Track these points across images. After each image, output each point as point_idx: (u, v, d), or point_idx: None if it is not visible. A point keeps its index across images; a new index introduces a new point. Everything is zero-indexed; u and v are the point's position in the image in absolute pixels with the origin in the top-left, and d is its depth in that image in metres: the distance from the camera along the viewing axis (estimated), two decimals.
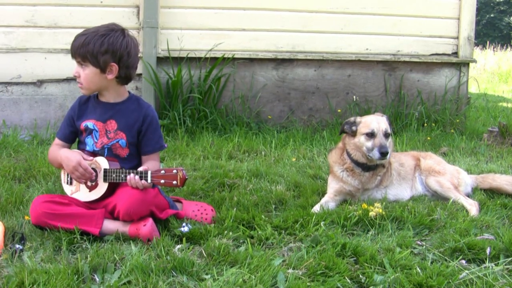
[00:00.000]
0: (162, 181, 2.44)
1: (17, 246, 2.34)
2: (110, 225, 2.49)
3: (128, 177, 2.47)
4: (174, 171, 2.42)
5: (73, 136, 2.76)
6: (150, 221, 2.46)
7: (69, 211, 2.48)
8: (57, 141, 2.76)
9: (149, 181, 2.45)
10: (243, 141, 4.72)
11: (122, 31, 2.63)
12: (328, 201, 3.09)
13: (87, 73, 2.58)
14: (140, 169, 2.49)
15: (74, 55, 2.61)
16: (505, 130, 5.04)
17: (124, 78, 2.66)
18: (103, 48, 2.54)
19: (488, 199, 3.23)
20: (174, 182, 2.42)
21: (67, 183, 2.67)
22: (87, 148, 2.67)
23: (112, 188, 2.58)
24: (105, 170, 2.55)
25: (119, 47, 2.57)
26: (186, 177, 2.44)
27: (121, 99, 2.71)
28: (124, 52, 2.60)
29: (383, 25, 5.68)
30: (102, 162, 2.56)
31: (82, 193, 2.61)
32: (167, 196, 2.81)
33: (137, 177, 2.45)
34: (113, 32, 2.58)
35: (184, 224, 2.57)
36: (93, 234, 2.45)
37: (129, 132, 2.67)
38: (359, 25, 5.62)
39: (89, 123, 2.66)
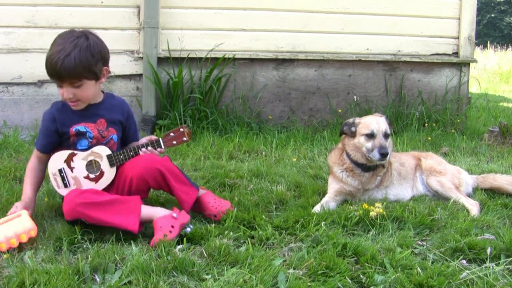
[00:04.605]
0: (174, 142, 2.61)
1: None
2: (143, 214, 2.48)
3: (140, 152, 2.58)
4: (181, 129, 2.62)
5: (51, 146, 2.71)
6: (173, 236, 2.39)
7: (105, 199, 2.45)
8: (36, 153, 2.73)
9: (163, 147, 2.61)
10: (244, 141, 4.72)
11: (91, 33, 2.58)
12: (329, 201, 3.09)
13: (85, 89, 2.54)
14: (143, 140, 2.64)
15: (66, 78, 2.47)
16: (505, 130, 5.04)
17: (109, 73, 2.72)
18: (94, 59, 2.50)
19: (489, 199, 3.23)
20: (184, 138, 2.62)
21: (65, 186, 2.63)
22: (80, 148, 2.66)
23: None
24: (109, 156, 2.58)
25: (103, 49, 2.58)
26: (191, 130, 2.62)
27: (101, 97, 2.73)
28: (106, 52, 2.62)
29: (383, 25, 5.68)
30: (102, 150, 2.60)
31: (89, 188, 2.61)
32: (190, 179, 2.82)
33: (150, 148, 2.58)
34: (90, 39, 2.51)
35: (185, 224, 2.58)
36: (133, 232, 2.42)
37: (117, 127, 2.74)
38: (359, 25, 5.63)
39: (80, 127, 2.64)
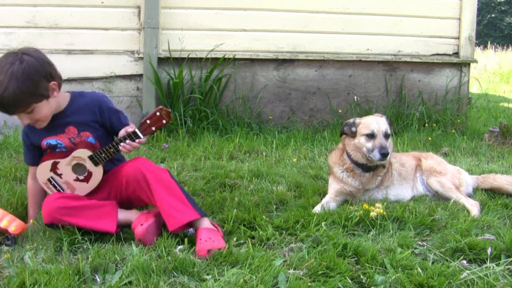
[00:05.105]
0: (153, 128, 2.40)
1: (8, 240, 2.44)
2: (120, 216, 2.51)
3: (120, 147, 2.45)
4: (157, 113, 2.39)
5: (38, 158, 2.71)
6: (148, 223, 2.44)
7: (82, 203, 2.47)
8: (31, 169, 2.76)
9: (142, 137, 2.42)
10: (244, 141, 4.72)
11: (25, 52, 2.40)
12: (329, 201, 3.09)
13: (39, 111, 2.44)
14: (122, 133, 2.46)
15: (13, 110, 2.39)
16: (506, 130, 5.04)
17: (61, 82, 2.53)
18: (35, 82, 2.36)
19: (489, 199, 3.23)
20: (164, 121, 2.39)
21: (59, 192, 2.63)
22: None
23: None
24: (91, 156, 2.52)
25: (42, 66, 2.40)
26: (169, 110, 2.42)
27: (65, 103, 2.60)
28: (48, 67, 2.44)
29: (383, 25, 5.68)
30: (82, 153, 2.53)
31: (81, 189, 2.60)
32: (195, 204, 2.56)
33: (128, 141, 2.43)
34: (25, 61, 2.34)
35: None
36: (110, 233, 2.44)
37: (91, 128, 2.60)
38: (359, 25, 5.63)
39: (51, 140, 2.59)
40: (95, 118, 2.61)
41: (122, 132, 2.50)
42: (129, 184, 2.55)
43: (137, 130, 2.42)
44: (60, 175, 2.60)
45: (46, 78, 2.41)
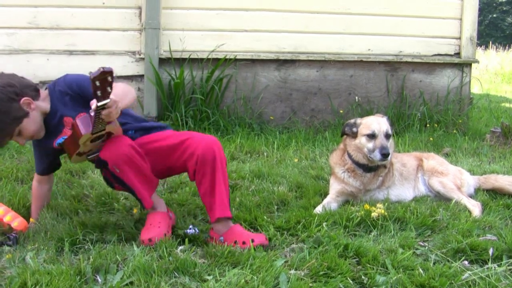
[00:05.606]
0: (108, 89, 2.16)
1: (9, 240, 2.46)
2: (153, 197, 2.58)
3: (102, 116, 2.27)
4: (97, 82, 2.11)
5: (51, 167, 2.74)
6: (170, 232, 2.49)
7: (143, 164, 2.47)
8: (37, 177, 2.78)
9: (107, 101, 2.18)
10: (245, 142, 4.72)
11: None
12: (330, 202, 3.09)
13: (26, 130, 2.43)
14: (93, 108, 2.23)
15: (2, 143, 2.44)
16: (507, 130, 5.03)
17: (35, 92, 2.48)
18: (3, 111, 2.32)
19: (491, 200, 3.23)
20: (109, 78, 2.12)
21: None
22: None
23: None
24: (92, 132, 2.38)
25: (3, 93, 2.34)
26: (103, 69, 2.10)
27: (48, 103, 2.54)
28: (9, 88, 2.36)
29: (385, 26, 5.68)
30: (85, 137, 2.40)
31: None
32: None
33: (103, 111, 2.23)
34: None
35: (191, 226, 2.58)
36: (145, 208, 2.54)
37: (80, 107, 2.51)
38: (361, 26, 5.62)
39: (60, 140, 2.57)
40: (75, 97, 2.53)
41: (92, 109, 2.28)
42: (193, 157, 2.48)
43: (99, 103, 2.19)
44: (88, 152, 2.53)
45: (14, 99, 2.36)
